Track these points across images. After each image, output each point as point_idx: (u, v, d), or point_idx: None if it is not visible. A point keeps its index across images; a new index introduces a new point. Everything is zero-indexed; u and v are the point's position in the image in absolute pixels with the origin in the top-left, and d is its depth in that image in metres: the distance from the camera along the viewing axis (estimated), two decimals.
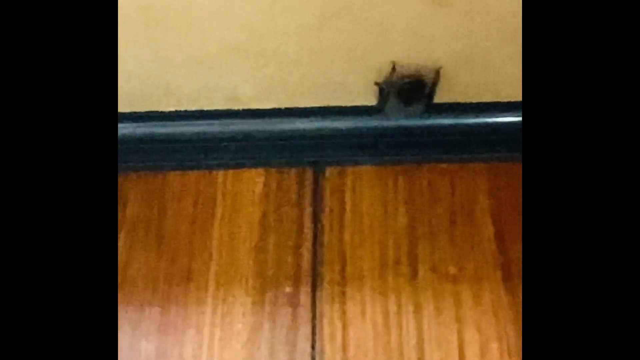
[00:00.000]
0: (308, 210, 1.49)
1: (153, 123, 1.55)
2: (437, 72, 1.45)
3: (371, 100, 1.52)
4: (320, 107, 1.54)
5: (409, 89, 1.46)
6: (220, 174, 1.54)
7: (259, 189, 1.52)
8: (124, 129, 1.54)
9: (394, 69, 1.44)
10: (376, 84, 1.47)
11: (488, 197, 1.49)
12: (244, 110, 1.55)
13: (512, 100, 1.52)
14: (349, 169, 1.53)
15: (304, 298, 1.39)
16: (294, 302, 1.39)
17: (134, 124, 1.55)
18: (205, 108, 1.55)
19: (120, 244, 1.47)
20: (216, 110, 1.55)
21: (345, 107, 1.54)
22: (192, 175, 1.54)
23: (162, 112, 1.55)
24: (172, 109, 1.55)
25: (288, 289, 1.40)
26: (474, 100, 1.53)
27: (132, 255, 1.46)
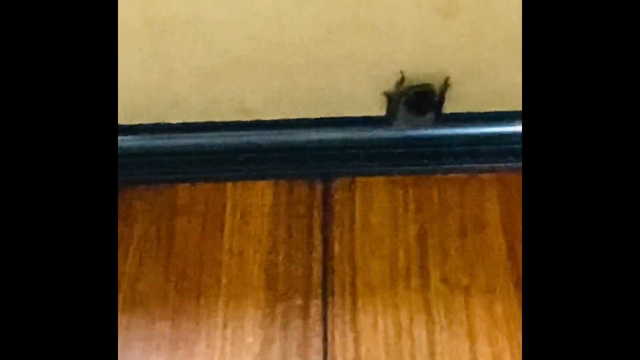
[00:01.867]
0: (318, 221, 1.49)
1: (161, 136, 1.54)
2: (446, 82, 1.44)
3: (380, 110, 1.51)
4: (328, 118, 1.54)
5: (418, 98, 1.46)
6: (229, 186, 1.53)
7: (268, 200, 1.52)
8: (131, 142, 1.54)
9: (402, 79, 1.43)
10: (385, 94, 1.47)
11: (498, 207, 1.48)
12: (252, 121, 1.55)
13: (521, 109, 1.51)
14: (358, 180, 1.53)
15: (315, 310, 1.39)
16: (305, 314, 1.38)
17: (142, 137, 1.55)
18: (213, 120, 1.54)
19: (129, 258, 1.46)
20: (224, 122, 1.55)
21: (354, 118, 1.54)
22: (201, 187, 1.53)
23: (169, 124, 1.54)
24: (180, 121, 1.54)
25: (299, 302, 1.40)
26: (483, 110, 1.52)
27: (141, 269, 1.45)
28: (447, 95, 1.46)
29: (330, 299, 1.40)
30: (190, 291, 1.42)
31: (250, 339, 1.36)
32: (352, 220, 1.48)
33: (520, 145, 1.48)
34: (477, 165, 1.53)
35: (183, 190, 1.53)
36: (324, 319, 1.38)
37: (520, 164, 1.51)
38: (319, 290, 1.41)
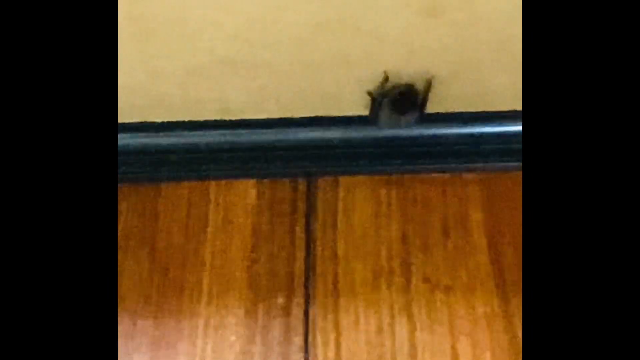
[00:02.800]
0: (301, 220, 1.49)
1: (145, 134, 1.54)
2: (429, 82, 1.45)
3: (363, 110, 1.51)
4: (312, 118, 1.55)
5: (402, 99, 1.46)
6: (212, 185, 1.54)
7: (251, 199, 1.52)
8: None
9: (386, 79, 1.44)
10: (368, 94, 1.47)
11: (480, 207, 1.49)
12: (236, 121, 1.55)
13: (504, 110, 1.52)
14: (342, 180, 1.53)
15: (297, 309, 1.39)
16: (287, 312, 1.39)
17: (126, 136, 1.55)
18: (198, 119, 1.55)
19: None
20: (208, 121, 1.55)
21: (338, 118, 1.54)
22: (185, 186, 1.54)
23: (153, 123, 1.55)
24: (164, 120, 1.55)
25: (281, 300, 1.40)
26: (466, 110, 1.53)
27: (124, 267, 1.45)
28: (430, 96, 1.47)
29: (312, 298, 1.40)
30: (173, 290, 1.42)
31: (232, 338, 1.37)
32: (335, 219, 1.49)
33: (503, 146, 1.52)
34: (460, 165, 1.54)
35: (166, 189, 1.54)
36: (306, 317, 1.38)
37: (502, 164, 1.52)
38: (301, 289, 1.41)
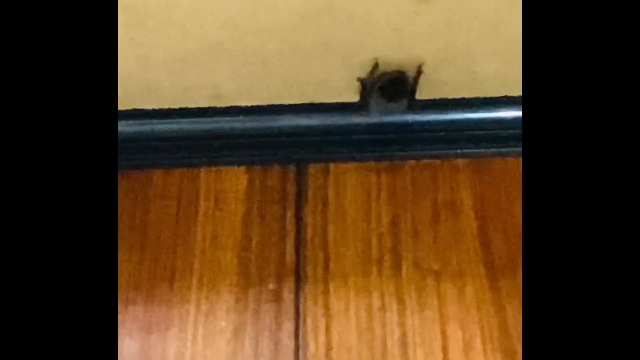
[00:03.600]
0: (291, 207, 1.49)
1: (135, 121, 1.53)
2: (419, 68, 1.45)
3: (354, 97, 1.51)
4: (302, 104, 1.54)
5: (392, 85, 1.46)
6: (203, 172, 1.54)
7: (242, 186, 1.52)
8: None
9: (376, 65, 1.44)
10: (359, 80, 1.47)
11: (471, 193, 1.49)
12: (226, 107, 1.54)
13: (494, 95, 1.52)
14: (332, 166, 1.53)
15: (288, 295, 1.39)
16: (277, 298, 1.39)
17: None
18: (188, 106, 1.54)
19: None
20: (198, 108, 1.54)
21: (328, 104, 1.54)
22: (175, 173, 1.54)
23: (144, 110, 1.54)
24: (154, 107, 1.54)
25: (271, 286, 1.40)
26: (457, 96, 1.53)
27: None
28: (420, 82, 1.47)
29: (302, 284, 1.40)
30: (164, 276, 1.42)
31: (222, 324, 1.37)
32: (326, 205, 1.49)
33: (494, 131, 1.52)
34: (450, 152, 1.54)
35: (157, 176, 1.54)
36: (297, 303, 1.38)
37: (493, 150, 1.52)
38: (292, 275, 1.41)
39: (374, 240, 1.44)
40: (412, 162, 1.53)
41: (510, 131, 1.52)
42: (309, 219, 1.47)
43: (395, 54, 1.43)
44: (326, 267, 1.42)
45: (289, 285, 1.40)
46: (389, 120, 1.54)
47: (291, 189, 1.51)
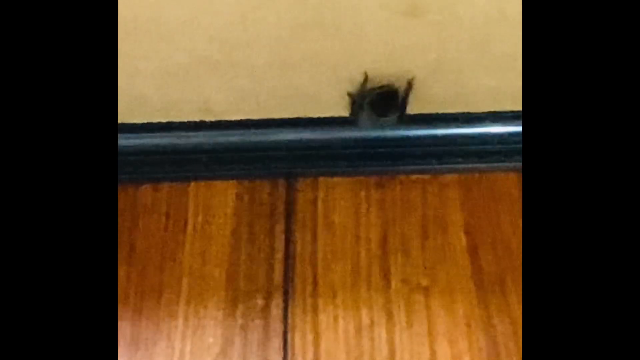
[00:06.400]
0: (280, 222, 1.48)
1: (124, 135, 1.52)
2: (410, 83, 1.45)
3: (343, 111, 1.51)
4: (292, 119, 1.54)
5: (382, 99, 1.46)
6: (192, 186, 1.53)
7: (231, 201, 1.51)
8: None
9: (366, 79, 1.44)
10: (348, 94, 1.47)
11: (460, 208, 1.49)
12: (215, 121, 1.54)
13: (485, 111, 1.52)
14: (322, 180, 1.53)
15: (276, 310, 1.38)
16: (265, 314, 1.38)
17: None
18: (177, 120, 1.54)
19: None
20: (187, 122, 1.54)
21: (318, 119, 1.54)
22: (164, 187, 1.53)
23: (132, 124, 1.53)
24: (143, 121, 1.54)
25: (260, 302, 1.40)
26: (447, 111, 1.53)
27: None
28: (411, 96, 1.47)
29: (291, 300, 1.40)
30: (151, 291, 1.42)
31: (210, 339, 1.36)
32: (315, 220, 1.48)
33: (483, 147, 1.52)
34: (440, 167, 1.53)
35: (146, 190, 1.53)
36: (285, 319, 1.38)
37: (483, 165, 1.52)
38: (280, 291, 1.41)
39: (363, 256, 1.44)
40: (402, 177, 1.52)
41: (500, 146, 1.52)
42: (298, 233, 1.47)
43: (385, 68, 1.43)
44: (315, 282, 1.41)
45: (277, 301, 1.39)
46: (379, 135, 1.54)
47: (280, 203, 1.51)
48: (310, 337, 1.36)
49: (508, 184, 1.50)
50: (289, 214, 1.49)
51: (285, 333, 1.36)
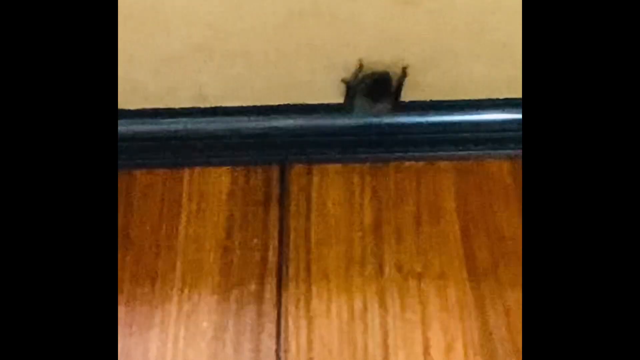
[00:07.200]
0: (274, 208, 1.49)
1: (119, 121, 1.51)
2: (404, 70, 1.45)
3: (338, 98, 1.51)
4: (287, 105, 1.54)
5: (376, 87, 1.46)
6: (186, 173, 1.54)
7: (225, 187, 1.52)
8: None
9: (360, 67, 1.44)
10: (343, 82, 1.47)
11: (454, 195, 1.49)
12: (210, 108, 1.55)
13: (479, 98, 1.52)
14: (316, 167, 1.53)
15: (270, 296, 1.39)
16: (259, 300, 1.39)
17: None
18: (172, 106, 1.54)
19: None
20: (183, 109, 1.55)
21: (312, 105, 1.54)
22: (159, 173, 1.54)
23: (128, 110, 1.53)
24: (139, 107, 1.54)
25: (254, 287, 1.40)
26: (441, 99, 1.53)
27: None
28: (405, 84, 1.47)
29: (284, 285, 1.40)
30: (146, 277, 1.42)
31: (204, 324, 1.37)
32: (309, 207, 1.49)
33: (477, 134, 1.52)
34: (434, 154, 1.54)
35: (141, 176, 1.53)
36: (278, 304, 1.38)
37: (476, 152, 1.53)
38: (274, 276, 1.41)
39: (357, 242, 1.44)
40: (396, 163, 1.53)
41: (494, 134, 1.53)
42: (291, 220, 1.47)
43: (379, 55, 1.43)
44: (308, 268, 1.42)
45: (270, 287, 1.40)
46: (373, 122, 1.54)
47: (274, 190, 1.51)
48: (303, 322, 1.36)
49: (501, 171, 1.51)
50: (283, 201, 1.50)
51: (278, 318, 1.37)
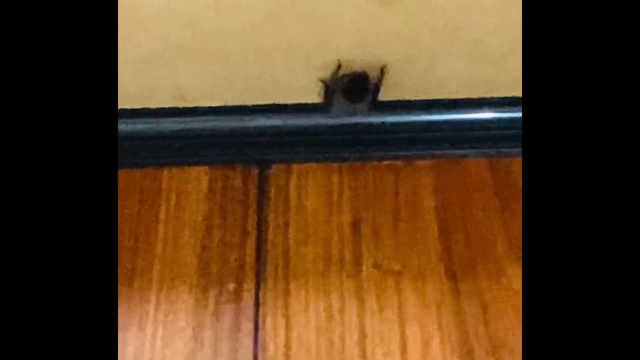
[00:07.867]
0: (253, 207, 1.49)
1: None
2: (382, 70, 1.45)
3: (316, 97, 1.52)
4: (265, 105, 1.54)
5: (354, 86, 1.47)
6: (165, 172, 1.53)
7: (204, 187, 1.51)
8: None
9: (339, 66, 1.44)
10: (321, 81, 1.48)
11: (433, 194, 1.49)
12: (189, 108, 1.55)
13: (457, 97, 1.53)
14: (294, 167, 1.53)
15: (248, 295, 1.39)
16: (237, 299, 1.38)
17: None
18: (150, 106, 1.54)
19: None
20: (161, 109, 1.55)
21: (291, 105, 1.54)
22: (137, 173, 1.53)
23: None
24: (118, 107, 1.54)
25: (232, 287, 1.40)
26: (419, 98, 1.53)
27: None
28: (383, 83, 1.47)
29: (262, 284, 1.40)
30: (123, 276, 1.41)
31: (182, 324, 1.36)
32: (287, 206, 1.49)
33: (456, 133, 1.53)
34: (412, 153, 1.54)
35: (119, 176, 1.52)
36: (257, 304, 1.38)
37: (455, 151, 1.53)
38: (252, 276, 1.41)
39: (335, 241, 1.44)
40: (375, 163, 1.53)
41: (473, 133, 1.53)
42: (270, 219, 1.47)
43: (358, 55, 1.44)
44: (287, 267, 1.41)
45: (249, 286, 1.40)
46: (352, 121, 1.54)
47: (253, 189, 1.51)
48: (281, 321, 1.36)
49: (480, 170, 1.51)
50: (262, 200, 1.50)
51: (256, 317, 1.36)
